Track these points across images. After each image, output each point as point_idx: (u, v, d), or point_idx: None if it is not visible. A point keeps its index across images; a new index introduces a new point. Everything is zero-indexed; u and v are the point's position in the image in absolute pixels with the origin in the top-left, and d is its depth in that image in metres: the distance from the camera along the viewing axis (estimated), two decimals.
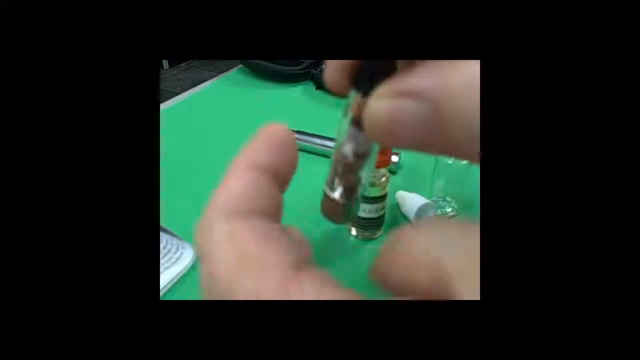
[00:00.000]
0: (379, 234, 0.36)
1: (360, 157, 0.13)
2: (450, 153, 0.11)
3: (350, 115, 0.13)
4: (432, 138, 0.11)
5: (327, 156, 0.48)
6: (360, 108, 0.12)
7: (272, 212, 0.14)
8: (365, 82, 0.12)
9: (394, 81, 0.11)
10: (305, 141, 0.48)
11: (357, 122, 0.13)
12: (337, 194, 0.14)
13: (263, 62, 0.66)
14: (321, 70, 0.63)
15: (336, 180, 0.14)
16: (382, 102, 0.11)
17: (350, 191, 0.14)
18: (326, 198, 0.15)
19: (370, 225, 0.35)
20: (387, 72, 0.11)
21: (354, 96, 0.13)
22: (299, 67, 0.66)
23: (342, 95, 0.14)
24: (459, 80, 0.10)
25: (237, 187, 0.14)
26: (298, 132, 0.48)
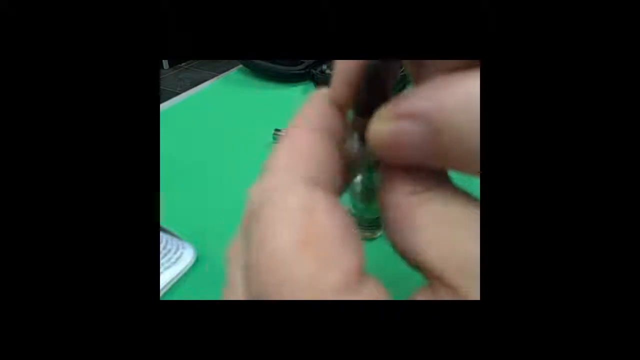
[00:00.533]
0: (379, 233, 0.36)
1: (373, 167, 0.14)
2: (452, 169, 0.12)
3: (354, 132, 0.13)
4: (433, 156, 0.11)
5: None
6: (362, 126, 0.12)
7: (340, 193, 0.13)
8: (364, 104, 0.12)
9: (393, 103, 0.11)
10: None
11: (362, 139, 0.13)
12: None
13: (263, 62, 0.66)
14: (321, 71, 0.63)
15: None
16: (383, 124, 0.12)
17: (369, 193, 0.15)
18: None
19: (370, 225, 0.35)
20: (384, 95, 0.12)
21: (353, 116, 0.13)
22: (299, 67, 0.66)
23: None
24: (454, 100, 0.10)
25: (310, 148, 0.12)
26: None
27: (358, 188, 0.16)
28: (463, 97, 0.10)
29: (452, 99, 0.10)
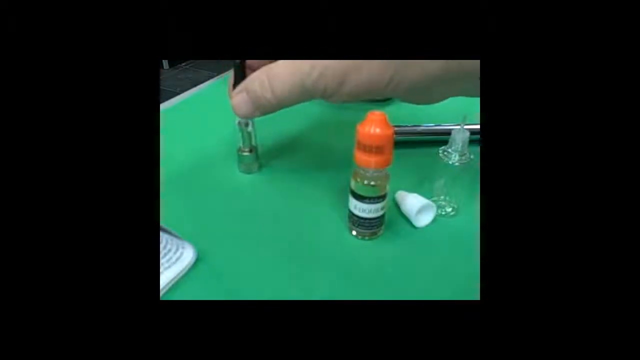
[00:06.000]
0: (379, 233, 0.36)
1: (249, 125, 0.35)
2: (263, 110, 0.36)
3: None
4: (254, 104, 0.35)
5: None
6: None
7: None
8: (239, 83, 0.27)
9: (240, 84, 0.32)
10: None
11: None
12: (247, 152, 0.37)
13: None
14: None
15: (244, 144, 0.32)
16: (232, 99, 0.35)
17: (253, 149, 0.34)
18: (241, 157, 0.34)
19: (371, 225, 0.35)
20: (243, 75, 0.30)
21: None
22: None
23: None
24: (251, 79, 0.32)
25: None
26: None
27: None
28: (255, 76, 0.32)
29: (250, 79, 0.33)
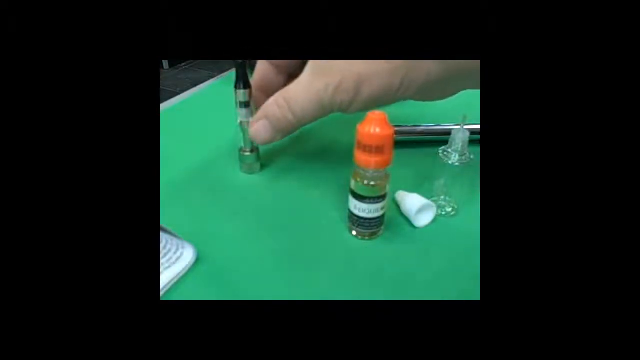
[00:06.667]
0: (379, 233, 0.36)
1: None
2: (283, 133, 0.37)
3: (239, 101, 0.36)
4: (276, 128, 0.36)
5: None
6: (241, 96, 0.37)
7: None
8: (240, 82, 0.34)
9: (257, 113, 0.35)
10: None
11: (243, 105, 0.38)
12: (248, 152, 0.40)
13: None
14: None
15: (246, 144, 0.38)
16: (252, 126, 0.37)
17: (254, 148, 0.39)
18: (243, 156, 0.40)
19: (370, 225, 0.35)
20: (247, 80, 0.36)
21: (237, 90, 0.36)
22: None
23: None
24: (267, 105, 0.36)
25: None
26: None
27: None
28: (272, 101, 0.35)
29: (267, 106, 0.35)
